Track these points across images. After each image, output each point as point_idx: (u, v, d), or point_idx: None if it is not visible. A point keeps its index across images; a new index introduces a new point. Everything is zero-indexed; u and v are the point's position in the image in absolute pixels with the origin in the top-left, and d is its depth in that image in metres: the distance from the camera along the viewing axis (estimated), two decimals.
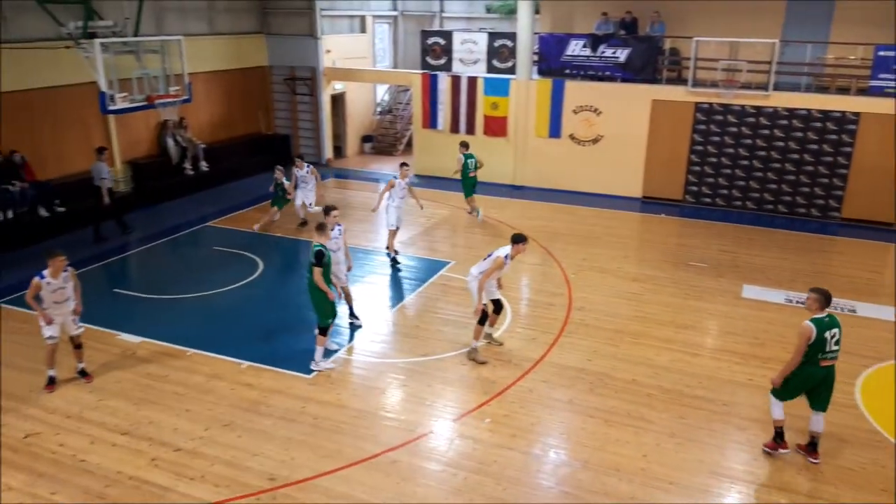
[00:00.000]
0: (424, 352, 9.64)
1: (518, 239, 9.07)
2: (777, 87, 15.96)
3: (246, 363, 9.22)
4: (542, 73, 18.42)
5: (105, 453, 7.33)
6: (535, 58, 18.37)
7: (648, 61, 17.28)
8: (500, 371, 9.13)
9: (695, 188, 17.17)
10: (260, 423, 7.90)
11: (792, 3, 17.42)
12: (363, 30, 23.16)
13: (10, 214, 13.33)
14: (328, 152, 21.40)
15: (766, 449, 7.52)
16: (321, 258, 8.63)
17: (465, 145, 15.83)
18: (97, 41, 11.61)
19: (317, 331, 9.13)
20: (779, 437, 7.46)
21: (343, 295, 9.97)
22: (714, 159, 16.82)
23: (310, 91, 20.74)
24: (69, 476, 6.97)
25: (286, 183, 14.67)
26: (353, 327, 10.29)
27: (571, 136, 18.08)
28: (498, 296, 9.53)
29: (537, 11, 18.90)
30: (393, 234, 12.97)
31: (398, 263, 12.88)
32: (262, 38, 20.67)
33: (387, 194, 12.97)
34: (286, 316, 10.68)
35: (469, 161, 15.43)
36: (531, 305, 11.41)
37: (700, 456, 7.47)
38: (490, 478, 7.06)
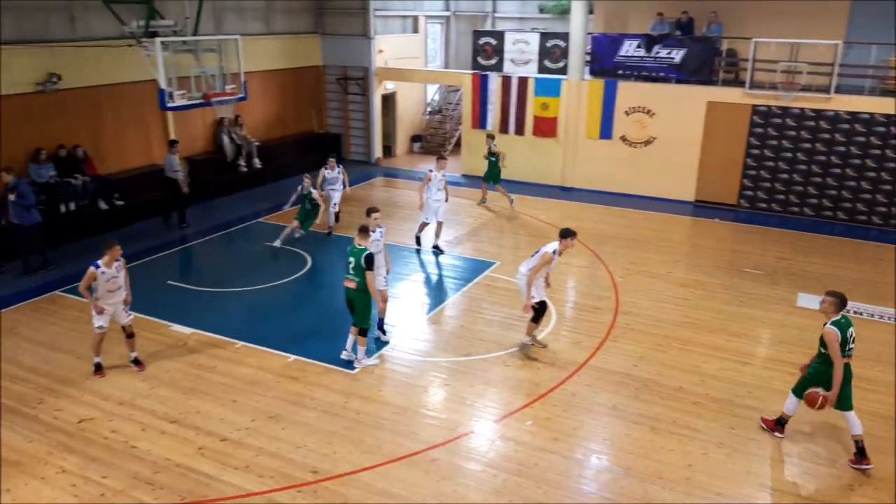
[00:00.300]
0: (467, 351, 9.64)
1: (566, 234, 9.04)
2: (839, 90, 15.41)
3: (292, 357, 9.37)
4: (594, 73, 18.21)
5: (154, 440, 7.55)
6: (588, 58, 18.17)
7: (704, 62, 16.91)
8: (544, 373, 9.07)
9: (750, 193, 16.73)
10: (304, 416, 8.02)
11: (857, 3, 16.79)
12: (415, 30, 23.28)
13: (72, 207, 13.82)
14: (378, 151, 21.58)
15: (764, 425, 7.79)
16: (372, 262, 8.64)
17: (492, 137, 17.05)
18: (158, 40, 11.93)
19: (353, 330, 9.19)
20: (780, 424, 7.73)
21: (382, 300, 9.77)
22: (771, 163, 16.35)
23: (361, 91, 20.96)
24: (120, 461, 7.20)
25: (314, 193, 13.66)
26: (379, 343, 9.79)
27: (623, 138, 17.82)
28: (544, 297, 9.46)
29: (591, 11, 18.69)
30: (426, 226, 13.52)
31: (440, 254, 13.37)
32: (316, 38, 20.98)
33: (426, 188, 13.17)
34: (332, 312, 10.80)
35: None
36: (577, 308, 11.29)
37: (748, 467, 7.27)
38: (530, 480, 7.01)
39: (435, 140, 23.68)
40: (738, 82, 17.01)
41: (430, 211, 13.25)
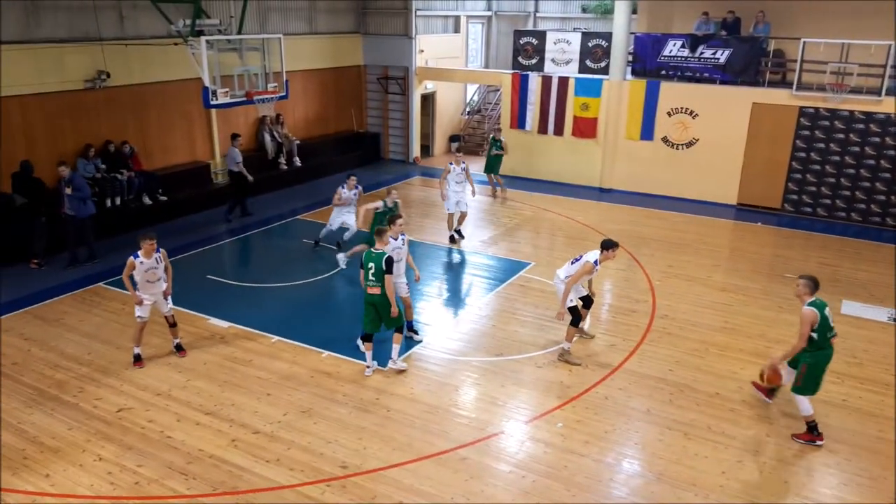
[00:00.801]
0: (499, 352, 9.61)
1: (608, 245, 9.00)
2: (890, 93, 14.91)
3: (326, 352, 9.46)
4: (636, 73, 17.98)
5: (189, 431, 7.70)
6: (630, 58, 17.95)
7: (750, 63, 16.55)
8: (576, 376, 8.98)
9: (795, 197, 16.31)
10: (336, 412, 8.09)
11: None
12: (457, 30, 23.31)
13: (117, 201, 14.20)
14: (416, 151, 21.66)
15: (799, 440, 7.62)
16: (391, 265, 8.58)
17: (498, 130, 18.07)
18: (204, 39, 12.17)
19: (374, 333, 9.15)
20: (813, 430, 7.63)
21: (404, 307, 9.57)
22: (817, 167, 15.92)
23: (401, 90, 21.06)
24: (155, 451, 7.36)
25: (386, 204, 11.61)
26: (411, 342, 9.78)
27: (664, 139, 17.56)
28: (585, 292, 9.40)
29: (634, 11, 18.46)
30: (451, 217, 13.99)
31: (458, 239, 14.05)
32: (358, 38, 21.15)
33: (446, 182, 13.87)
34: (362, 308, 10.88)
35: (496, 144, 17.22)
36: (612, 311, 11.15)
37: (785, 476, 7.09)
38: (560, 483, 6.95)
39: (473, 140, 23.67)
40: (785, 83, 16.61)
41: (451, 202, 13.87)
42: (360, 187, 13.25)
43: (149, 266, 8.76)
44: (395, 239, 9.25)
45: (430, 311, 11.00)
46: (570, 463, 7.25)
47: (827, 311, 7.39)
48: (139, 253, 8.69)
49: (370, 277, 8.56)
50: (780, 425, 7.94)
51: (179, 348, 9.40)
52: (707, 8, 17.46)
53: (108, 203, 14.00)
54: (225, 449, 7.40)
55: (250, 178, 15.33)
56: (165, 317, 9.17)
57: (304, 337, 9.90)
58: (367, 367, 8.97)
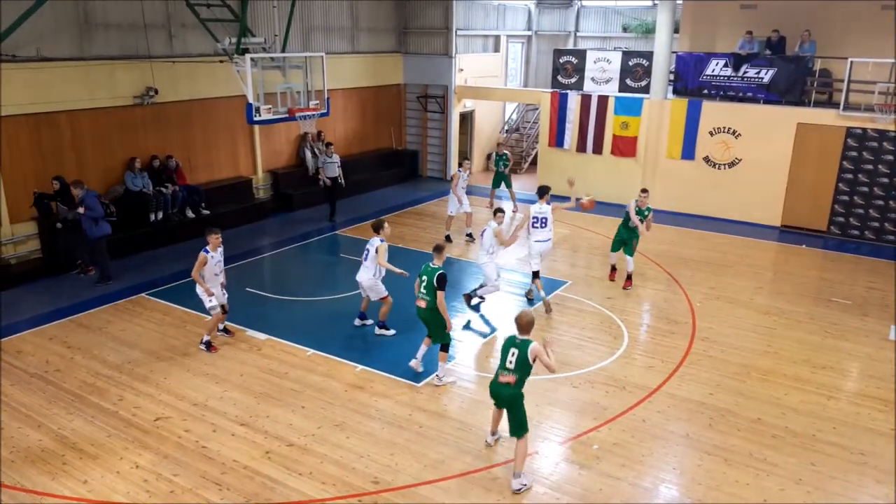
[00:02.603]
0: (534, 371, 9.46)
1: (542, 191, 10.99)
2: None
3: (360, 367, 9.48)
4: (677, 92, 17.81)
5: (224, 442, 7.76)
6: (671, 77, 17.79)
7: (796, 83, 16.26)
8: (613, 397, 8.82)
9: (841, 219, 15.88)
10: (368, 426, 8.08)
11: None
12: (496, 49, 23.43)
13: (160, 215, 14.52)
14: (453, 169, 21.70)
15: None
16: (444, 282, 8.67)
17: (501, 146, 18.52)
18: (248, 56, 12.44)
19: (427, 340, 9.26)
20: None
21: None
22: (865, 189, 15.49)
23: (440, 108, 21.20)
24: (191, 460, 7.44)
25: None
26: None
27: (706, 159, 17.30)
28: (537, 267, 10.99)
29: (676, 31, 18.32)
30: (450, 219, 15.33)
31: (472, 241, 14.81)
32: (399, 57, 21.40)
33: (458, 187, 14.91)
34: (401, 325, 10.87)
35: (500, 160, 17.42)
36: (651, 332, 10.96)
37: None
38: None
39: (511, 158, 23.62)
40: (831, 104, 16.26)
41: (453, 206, 15.06)
42: (383, 241, 13.03)
43: (217, 259, 9.54)
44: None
45: (464, 328, 10.95)
46: (605, 486, 7.10)
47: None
48: (208, 248, 9.48)
49: (421, 290, 8.83)
50: (824, 454, 7.67)
51: (227, 331, 10.36)
52: (751, 27, 17.23)
53: (153, 216, 14.31)
54: (259, 460, 7.44)
55: (342, 181, 16.90)
56: (222, 305, 9.91)
57: (338, 351, 9.94)
58: (416, 357, 9.34)
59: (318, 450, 7.64)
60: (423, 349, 9.28)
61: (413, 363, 9.31)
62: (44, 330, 10.54)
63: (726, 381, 9.26)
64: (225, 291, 9.99)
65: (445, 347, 9.07)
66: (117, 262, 13.33)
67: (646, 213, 12.30)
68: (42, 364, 9.47)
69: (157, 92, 14.41)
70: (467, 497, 6.90)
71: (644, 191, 12.67)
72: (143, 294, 11.94)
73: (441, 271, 8.70)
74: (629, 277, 12.64)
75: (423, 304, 8.84)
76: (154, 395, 8.74)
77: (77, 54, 13.20)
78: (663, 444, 7.88)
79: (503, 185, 17.65)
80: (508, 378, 7.05)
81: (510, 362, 7.03)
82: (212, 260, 9.51)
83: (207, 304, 9.70)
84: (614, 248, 12.83)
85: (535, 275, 11.69)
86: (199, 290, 9.62)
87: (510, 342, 7.07)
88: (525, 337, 7.02)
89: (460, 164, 15.63)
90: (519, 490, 6.97)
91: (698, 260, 14.21)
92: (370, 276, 10.15)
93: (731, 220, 16.91)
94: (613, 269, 13.05)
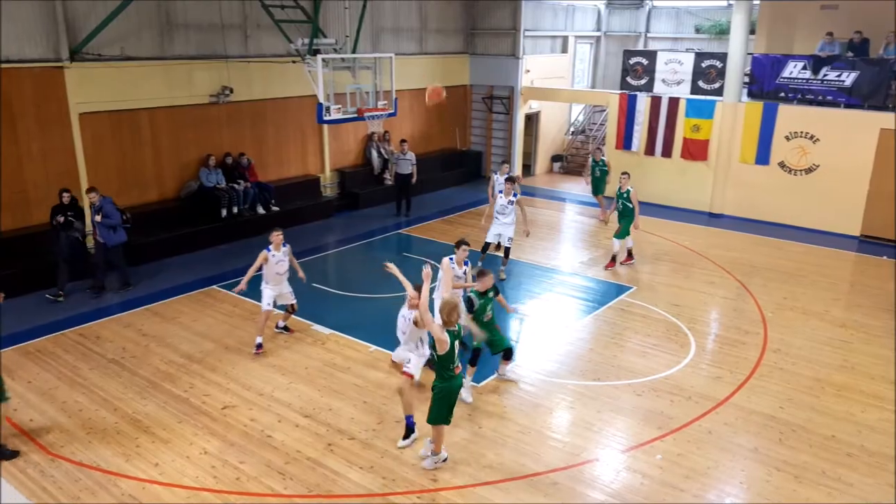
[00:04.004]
0: (596, 376, 9.37)
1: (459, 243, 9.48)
2: None
3: None
4: (752, 95, 17.25)
5: (288, 432, 7.94)
6: (746, 79, 17.26)
7: (880, 86, 15.51)
8: (679, 407, 8.62)
9: None
10: (428, 425, 8.10)
11: None
12: (564, 50, 23.22)
13: (234, 210, 14.96)
14: (517, 170, 21.61)
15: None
16: (471, 306, 8.51)
17: (599, 150, 17.80)
18: (320, 57, 12.70)
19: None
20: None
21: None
22: None
23: (506, 109, 21.15)
24: (256, 449, 7.63)
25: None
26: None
27: (781, 164, 16.71)
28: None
29: (752, 31, 17.75)
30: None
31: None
32: (465, 58, 21.46)
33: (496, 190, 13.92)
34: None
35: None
36: (719, 341, 10.65)
37: None
38: None
39: (576, 160, 23.41)
40: None
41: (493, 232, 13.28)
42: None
43: (279, 258, 9.78)
44: (455, 266, 9.48)
45: (525, 330, 10.89)
46: (668, 497, 6.94)
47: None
48: (270, 247, 9.71)
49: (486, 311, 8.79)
50: None
51: (287, 329, 10.48)
52: (832, 28, 16.56)
53: (224, 212, 14.76)
54: (321, 452, 7.57)
55: (415, 178, 17.36)
56: (291, 304, 10.16)
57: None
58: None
59: (379, 445, 7.73)
60: (504, 365, 9.20)
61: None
62: (121, 317, 11.01)
63: (798, 396, 8.92)
64: (292, 291, 10.13)
65: (509, 355, 9.04)
66: (190, 254, 13.87)
67: (625, 195, 13.18)
68: (119, 350, 9.90)
69: (232, 91, 14.86)
70: (526, 500, 6.86)
71: (624, 173, 13.59)
72: (214, 286, 12.33)
73: (468, 295, 8.63)
74: (613, 258, 13.50)
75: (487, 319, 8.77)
76: (223, 384, 9.02)
77: (158, 54, 13.74)
78: (730, 457, 7.64)
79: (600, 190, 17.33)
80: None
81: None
82: (272, 259, 9.68)
83: (264, 301, 9.83)
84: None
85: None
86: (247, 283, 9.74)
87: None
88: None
89: (499, 168, 15.20)
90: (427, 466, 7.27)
91: (771, 268, 13.73)
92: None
93: (807, 229, 16.28)
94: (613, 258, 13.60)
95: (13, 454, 7.43)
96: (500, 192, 13.04)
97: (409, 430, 7.75)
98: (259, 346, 9.84)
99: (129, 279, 12.27)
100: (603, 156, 17.26)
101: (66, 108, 12.52)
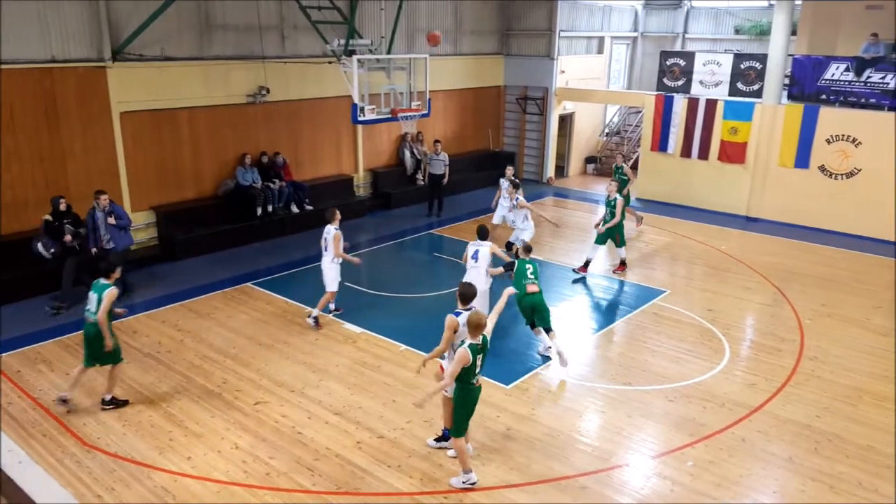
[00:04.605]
0: (627, 380, 9.27)
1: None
2: None
3: None
4: (792, 97, 16.91)
5: (318, 429, 8.02)
6: (786, 81, 16.92)
7: None
8: (711, 414, 8.48)
9: None
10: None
11: None
12: (600, 50, 23.03)
13: (269, 209, 15.14)
14: (550, 171, 21.53)
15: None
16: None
17: (621, 156, 16.77)
18: (355, 58, 12.79)
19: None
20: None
21: None
22: None
23: (539, 110, 21.05)
24: (286, 444, 7.72)
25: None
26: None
27: (821, 168, 16.34)
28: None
29: (793, 32, 17.39)
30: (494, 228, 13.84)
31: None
32: (500, 59, 21.41)
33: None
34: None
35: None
36: (754, 348, 10.45)
37: None
38: None
39: (610, 162, 23.13)
40: None
41: (497, 215, 14.12)
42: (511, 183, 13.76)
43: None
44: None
45: (556, 332, 10.81)
46: None
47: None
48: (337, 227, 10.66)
49: (528, 277, 9.65)
50: None
51: (317, 322, 10.71)
52: (877, 29, 16.14)
53: (259, 210, 14.95)
54: (350, 450, 7.63)
55: (445, 180, 17.45)
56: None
57: (429, 347, 9.95)
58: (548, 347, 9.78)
59: (407, 444, 7.76)
60: (546, 340, 9.69)
61: (550, 352, 9.75)
62: (157, 313, 11.23)
63: (836, 405, 8.72)
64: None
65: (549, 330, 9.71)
66: (226, 252, 14.08)
67: (612, 202, 13.01)
68: (155, 345, 10.10)
69: (268, 91, 15.06)
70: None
71: (612, 181, 13.40)
72: (248, 283, 12.50)
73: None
74: (623, 263, 13.47)
75: (536, 288, 9.61)
76: (255, 379, 9.14)
77: (197, 54, 13.98)
78: (763, 465, 7.50)
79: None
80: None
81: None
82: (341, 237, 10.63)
83: (333, 285, 10.66)
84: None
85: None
86: (335, 266, 10.64)
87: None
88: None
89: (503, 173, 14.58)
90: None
91: (809, 274, 13.44)
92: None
93: (847, 234, 15.89)
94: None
95: (124, 402, 8.46)
96: (506, 198, 13.66)
97: (444, 438, 7.67)
98: (316, 320, 10.55)
99: (130, 285, 11.80)
100: (624, 162, 16.22)
101: (108, 107, 12.82)
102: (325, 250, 10.73)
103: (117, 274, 8.37)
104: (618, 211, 12.96)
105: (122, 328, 10.57)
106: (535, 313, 9.65)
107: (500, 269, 10.05)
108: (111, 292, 8.01)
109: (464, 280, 9.09)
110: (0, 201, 11.72)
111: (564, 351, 9.49)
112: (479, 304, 9.91)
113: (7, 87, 11.52)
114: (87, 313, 8.13)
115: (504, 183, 14.07)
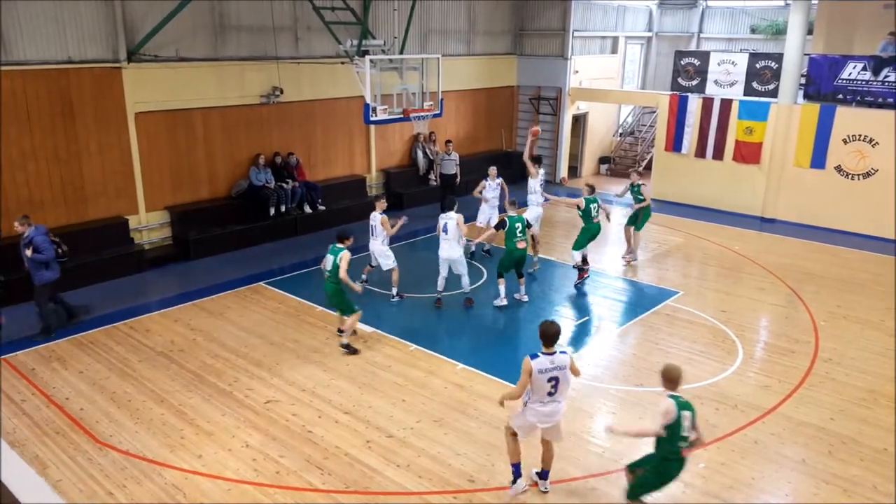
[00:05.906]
0: (639, 382, 9.22)
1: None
2: None
3: (460, 365, 9.55)
4: (808, 97, 16.75)
5: (328, 428, 8.04)
6: (802, 81, 16.76)
7: None
8: (723, 415, 8.42)
9: None
10: (466, 425, 8.12)
11: None
12: (614, 50, 22.94)
13: (282, 209, 15.21)
14: (563, 171, 21.45)
15: None
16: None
17: (637, 173, 14.24)
18: (368, 58, 12.81)
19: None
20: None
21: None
22: None
23: (553, 111, 20.98)
24: (296, 443, 7.75)
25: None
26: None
27: (838, 168, 16.17)
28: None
29: (810, 32, 17.22)
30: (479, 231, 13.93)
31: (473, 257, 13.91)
32: (513, 59, 21.38)
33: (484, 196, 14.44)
34: (502, 324, 10.87)
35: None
36: (768, 349, 10.36)
37: None
38: None
39: (624, 162, 23.07)
40: None
41: (483, 214, 14.37)
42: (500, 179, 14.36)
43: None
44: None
45: (567, 333, 10.78)
46: None
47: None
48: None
49: (518, 235, 11.06)
50: None
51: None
52: (894, 28, 15.94)
53: (272, 210, 15.01)
54: (360, 449, 7.65)
55: (458, 180, 17.60)
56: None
57: (440, 348, 10.05)
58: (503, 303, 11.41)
59: (417, 443, 7.76)
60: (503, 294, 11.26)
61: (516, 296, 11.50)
62: (170, 312, 11.31)
63: (850, 407, 8.62)
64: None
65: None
66: (239, 251, 14.15)
67: (636, 188, 13.78)
68: (167, 343, 10.17)
69: (282, 92, 15.12)
70: None
71: (588, 185, 13.15)
72: (260, 283, 12.56)
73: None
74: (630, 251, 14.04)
75: (524, 245, 11.24)
76: (266, 378, 9.18)
77: (211, 55, 14.07)
78: (776, 468, 7.43)
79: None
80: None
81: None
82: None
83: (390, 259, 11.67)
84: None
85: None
86: (385, 248, 11.68)
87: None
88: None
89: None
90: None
91: (824, 275, 13.30)
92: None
93: (863, 235, 15.71)
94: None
95: (355, 351, 9.83)
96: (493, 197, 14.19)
97: (518, 475, 6.93)
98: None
99: (52, 324, 10.30)
100: (640, 180, 14.11)
101: (123, 108, 12.93)
102: (374, 235, 11.66)
103: (350, 241, 9.88)
104: (645, 194, 13.74)
105: (135, 327, 10.69)
106: (518, 265, 11.43)
107: (493, 231, 11.90)
108: (346, 254, 9.64)
109: (440, 251, 11.45)
110: (3, 202, 11.75)
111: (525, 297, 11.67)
112: (455, 270, 11.45)
113: (23, 88, 11.65)
114: (325, 272, 9.74)
115: (490, 184, 14.41)
